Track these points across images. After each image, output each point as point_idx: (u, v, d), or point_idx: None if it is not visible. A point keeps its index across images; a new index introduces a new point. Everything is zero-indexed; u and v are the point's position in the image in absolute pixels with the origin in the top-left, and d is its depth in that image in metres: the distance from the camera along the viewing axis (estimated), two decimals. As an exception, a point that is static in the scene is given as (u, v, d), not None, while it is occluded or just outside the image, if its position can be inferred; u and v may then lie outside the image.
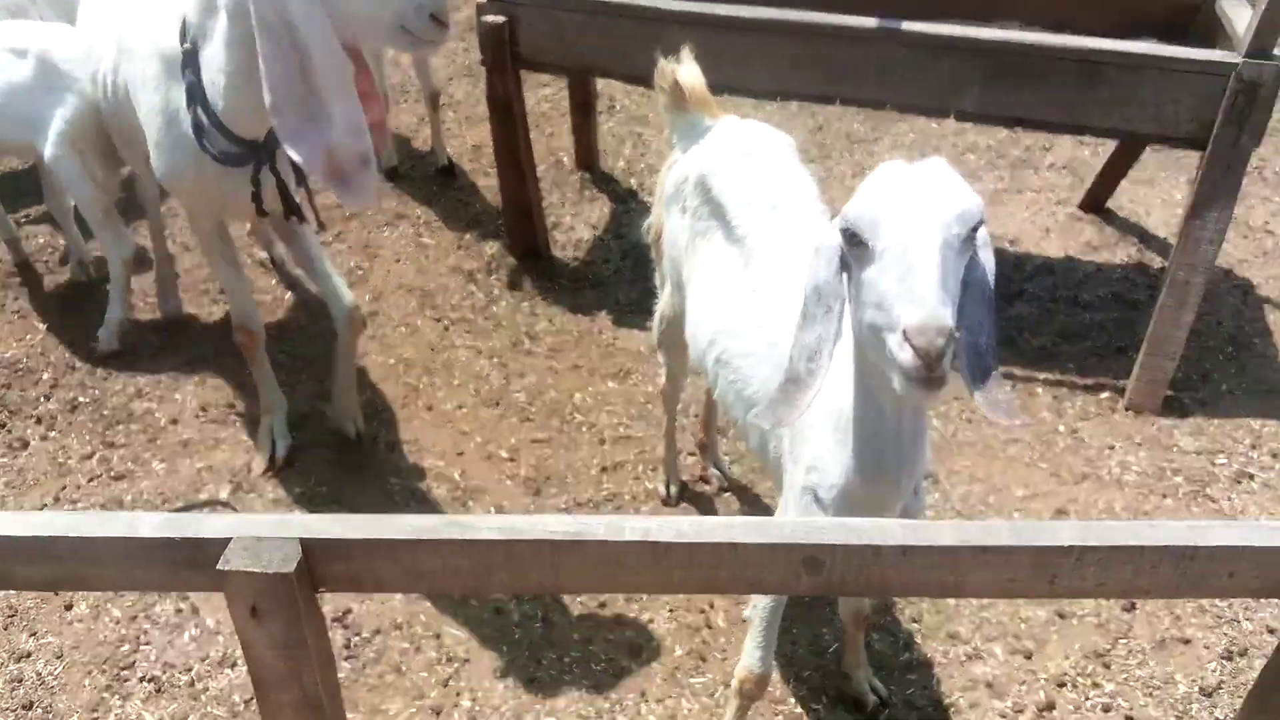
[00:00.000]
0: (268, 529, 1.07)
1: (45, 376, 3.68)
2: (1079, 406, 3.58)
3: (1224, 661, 2.72)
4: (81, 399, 3.58)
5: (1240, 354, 3.79)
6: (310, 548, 1.06)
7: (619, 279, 4.33)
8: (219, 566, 1.03)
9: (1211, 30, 3.73)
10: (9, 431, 3.44)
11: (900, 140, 5.36)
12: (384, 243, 4.52)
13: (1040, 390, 3.65)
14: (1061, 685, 2.66)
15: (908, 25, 3.50)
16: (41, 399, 3.58)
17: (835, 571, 1.05)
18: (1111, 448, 3.39)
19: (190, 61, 2.55)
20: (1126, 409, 3.55)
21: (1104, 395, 3.62)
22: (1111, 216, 4.68)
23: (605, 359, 3.87)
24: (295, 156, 2.33)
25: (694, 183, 2.49)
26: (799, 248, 2.18)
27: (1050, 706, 2.62)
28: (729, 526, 1.05)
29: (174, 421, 3.51)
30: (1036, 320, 4.01)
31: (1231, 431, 3.42)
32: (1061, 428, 3.49)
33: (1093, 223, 4.64)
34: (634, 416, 3.59)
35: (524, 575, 1.08)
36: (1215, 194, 3.29)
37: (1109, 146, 4.85)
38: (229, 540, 1.06)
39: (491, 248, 4.47)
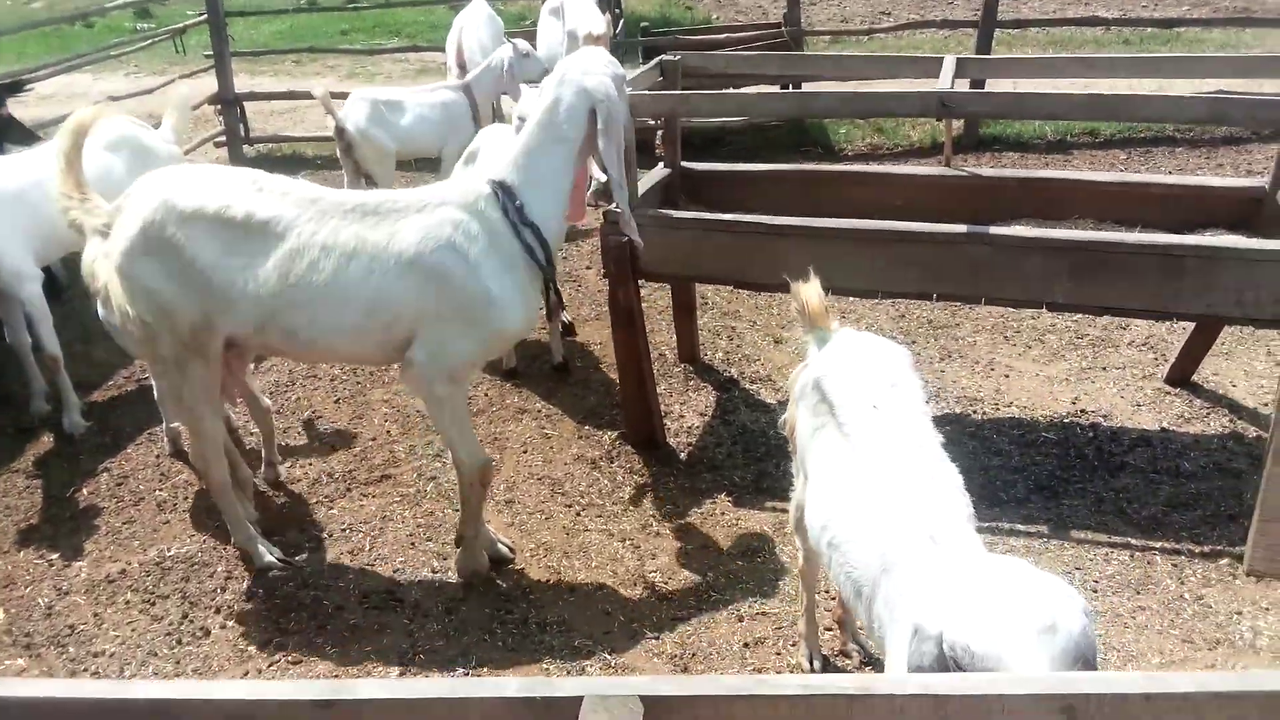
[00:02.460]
0: (612, 688, 1.31)
1: (220, 569, 3.99)
2: (1200, 574, 3.70)
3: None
4: (255, 589, 3.88)
5: (1350, 519, 3.90)
6: (649, 703, 1.30)
7: (731, 462, 4.60)
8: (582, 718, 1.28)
9: (1278, 221, 4.06)
10: (191, 621, 3.73)
11: (981, 324, 5.70)
12: (511, 435, 4.88)
13: (1158, 559, 3.79)
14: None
15: (994, 229, 3.89)
16: (218, 590, 3.89)
17: (1089, 718, 1.26)
18: (1239, 613, 3.49)
19: (508, 194, 3.36)
20: (1248, 574, 3.67)
21: (1223, 562, 3.75)
22: (1198, 389, 4.91)
23: (730, 538, 4.10)
24: (619, 208, 3.63)
25: (812, 385, 2.84)
26: (896, 443, 2.53)
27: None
28: (993, 681, 1.28)
29: (340, 608, 3.77)
30: (1142, 491, 4.17)
31: (1357, 597, 3.51)
32: (1186, 595, 3.60)
33: (1181, 396, 4.86)
34: (767, 594, 3.78)
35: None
36: (1307, 369, 3.53)
37: (1186, 324, 5.14)
38: (580, 698, 1.31)
39: (610, 436, 4.80)
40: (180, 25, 9.46)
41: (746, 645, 3.54)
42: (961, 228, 3.87)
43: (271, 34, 14.89)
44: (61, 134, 3.53)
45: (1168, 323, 5.37)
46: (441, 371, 3.49)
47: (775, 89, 7.45)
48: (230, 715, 1.33)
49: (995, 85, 4.46)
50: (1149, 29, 11.20)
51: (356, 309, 3.35)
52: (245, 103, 9.17)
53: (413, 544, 4.15)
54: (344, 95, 9.68)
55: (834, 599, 3.54)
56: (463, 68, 7.55)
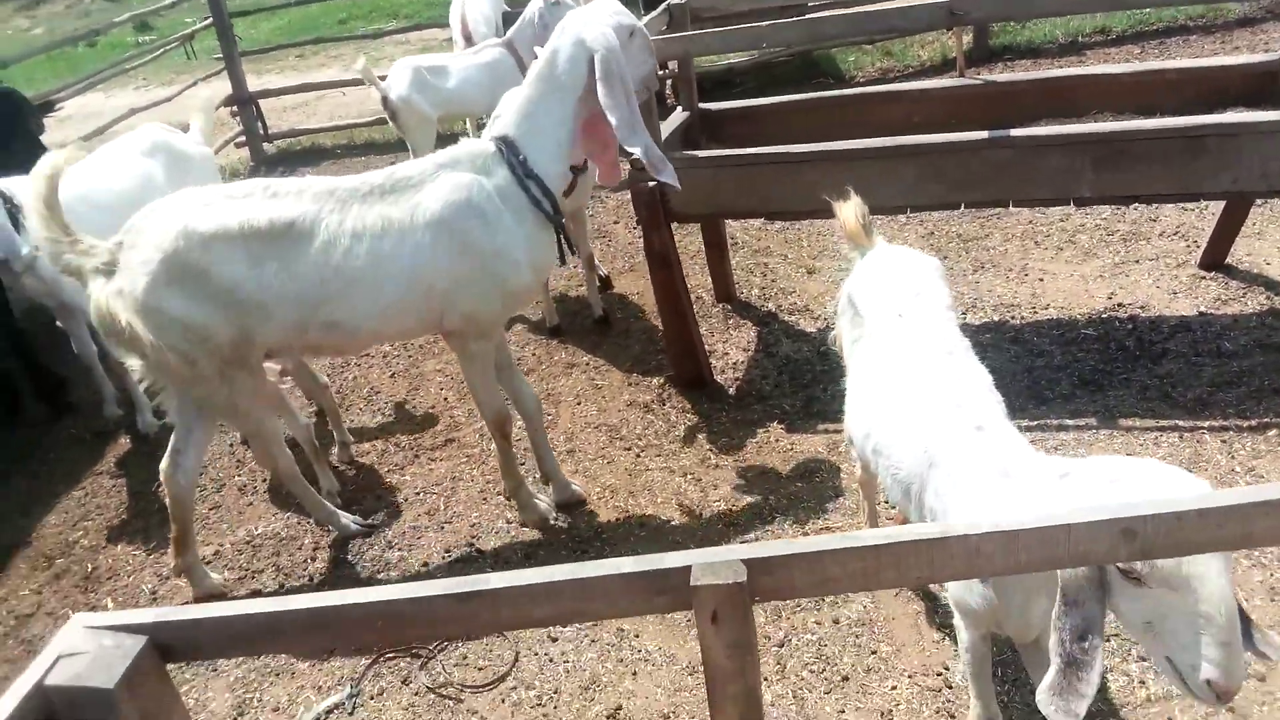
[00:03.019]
0: (716, 555, 1.46)
1: (306, 541, 4.21)
2: (1249, 447, 3.79)
3: None
4: (342, 555, 4.09)
5: (1395, 378, 3.97)
6: (750, 565, 1.45)
7: (780, 392, 4.73)
8: (692, 583, 1.43)
9: (1296, 92, 4.09)
10: (289, 592, 3.95)
11: (1011, 232, 5.76)
12: (563, 390, 5.04)
13: (1207, 437, 3.88)
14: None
15: (1014, 132, 3.95)
16: (308, 560, 4.10)
17: (1147, 539, 1.39)
18: (1289, 479, 3.59)
19: (511, 149, 3.48)
20: (1295, 443, 3.76)
21: (1271, 434, 3.83)
22: (1233, 271, 4.95)
23: (788, 463, 4.24)
24: (639, 155, 3.48)
25: (847, 298, 3.01)
26: (923, 347, 2.62)
27: None
28: (1061, 515, 1.41)
29: (425, 564, 3.98)
30: (1186, 375, 4.25)
31: (1406, 450, 3.59)
32: (1238, 468, 3.70)
33: (1216, 279, 4.91)
34: (828, 511, 3.92)
35: (906, 571, 1.45)
36: (1338, 233, 3.58)
37: (1214, 208, 5.18)
38: (688, 568, 1.46)
39: (658, 380, 4.94)
40: (188, 32, 9.61)
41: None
42: (981, 134, 3.94)
43: (271, 30, 15.03)
44: (35, 180, 3.29)
45: (1196, 209, 5.44)
46: (476, 328, 3.65)
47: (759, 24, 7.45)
48: (380, 615, 1.49)
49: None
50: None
51: (397, 285, 3.44)
52: (259, 100, 9.32)
53: (484, 500, 4.34)
54: (356, 82, 9.87)
55: (894, 511, 3.67)
56: (468, 39, 7.65)
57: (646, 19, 4.42)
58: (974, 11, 3.77)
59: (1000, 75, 4.76)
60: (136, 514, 4.64)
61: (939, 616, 3.33)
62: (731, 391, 4.80)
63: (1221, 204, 4.79)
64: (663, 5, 4.61)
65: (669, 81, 7.42)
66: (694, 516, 4.03)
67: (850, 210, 3.14)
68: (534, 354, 5.41)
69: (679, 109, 4.86)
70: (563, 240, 3.74)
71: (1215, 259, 4.98)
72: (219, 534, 4.38)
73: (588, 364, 5.23)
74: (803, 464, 4.22)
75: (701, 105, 4.90)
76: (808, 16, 3.98)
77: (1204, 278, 4.96)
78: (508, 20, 7.96)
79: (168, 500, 3.86)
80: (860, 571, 1.46)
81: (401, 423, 5.00)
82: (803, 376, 4.81)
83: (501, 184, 3.48)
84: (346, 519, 4.18)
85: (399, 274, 3.43)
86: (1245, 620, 1.70)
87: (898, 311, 2.74)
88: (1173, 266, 5.11)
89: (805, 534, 3.82)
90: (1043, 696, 1.71)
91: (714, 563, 1.45)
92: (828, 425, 4.42)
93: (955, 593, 2.34)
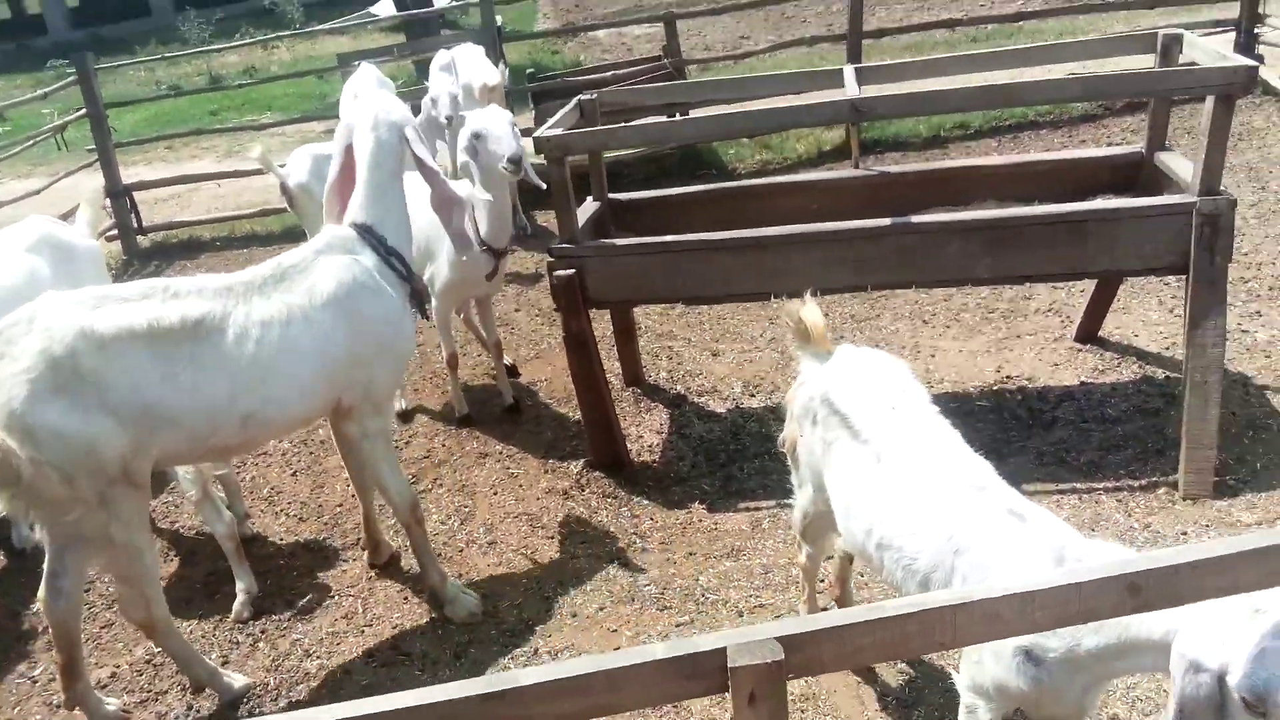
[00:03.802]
0: (748, 635, 1.47)
1: (214, 655, 3.95)
2: (1143, 505, 4.05)
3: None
4: (257, 664, 3.85)
5: (1260, 435, 4.34)
6: (784, 643, 1.45)
7: (697, 472, 4.78)
8: (730, 664, 1.42)
9: (1157, 181, 4.51)
10: (199, 712, 3.69)
11: (899, 312, 6.06)
12: (478, 480, 4.95)
13: (1104, 498, 4.12)
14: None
15: (917, 219, 4.20)
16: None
17: (1150, 592, 1.48)
18: (1185, 533, 3.83)
19: (369, 233, 3.69)
20: (1184, 498, 4.03)
21: (1160, 491, 4.11)
22: (1105, 343, 5.34)
23: (713, 542, 4.26)
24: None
25: (822, 402, 2.90)
26: (923, 440, 2.64)
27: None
28: (1070, 574, 1.49)
29: (347, 672, 3.78)
30: (1077, 441, 4.52)
31: (1280, 501, 3.91)
32: (1135, 525, 3.93)
33: (1092, 351, 5.28)
34: (759, 587, 3.95)
35: (930, 637, 1.49)
36: (1207, 306, 3.94)
37: (1082, 287, 5.60)
38: (723, 649, 1.46)
39: (575, 466, 4.92)
40: (59, 123, 9.23)
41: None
42: (887, 221, 4.17)
43: (136, 122, 14.56)
44: None
45: (1066, 288, 5.86)
46: (373, 402, 3.72)
47: (661, 119, 7.79)
48: (403, 723, 1.43)
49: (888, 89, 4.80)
50: (990, 25, 12.01)
51: (310, 366, 3.45)
52: (133, 193, 8.99)
53: (406, 599, 4.18)
54: (230, 175, 9.67)
55: (836, 578, 3.65)
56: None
57: (557, 115, 4.53)
58: (878, 109, 4.02)
59: (893, 166, 5.07)
60: (18, 638, 4.26)
61: (877, 688, 3.39)
62: (650, 473, 4.82)
63: (1093, 283, 5.18)
64: (574, 101, 4.74)
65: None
66: (626, 602, 3.98)
67: (815, 313, 3.07)
68: (444, 445, 5.30)
69: (589, 199, 4.95)
70: (422, 308, 3.93)
71: (1089, 332, 5.36)
72: (115, 654, 4.06)
73: (501, 453, 5.16)
74: (728, 542, 4.25)
75: (611, 195, 5.02)
76: (727, 113, 4.14)
77: (1080, 350, 5.32)
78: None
79: (50, 628, 3.52)
80: (887, 641, 1.49)
81: (308, 523, 4.80)
82: (718, 456, 4.88)
83: (372, 263, 3.63)
84: (229, 679, 3.70)
85: (310, 354, 3.44)
86: None
87: (889, 406, 2.74)
88: (1051, 340, 5.47)
89: (740, 613, 3.83)
90: None
91: (749, 643, 1.46)
92: (748, 504, 4.48)
93: (994, 674, 2.27)
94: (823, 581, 3.74)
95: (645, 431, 5.17)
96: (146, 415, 3.15)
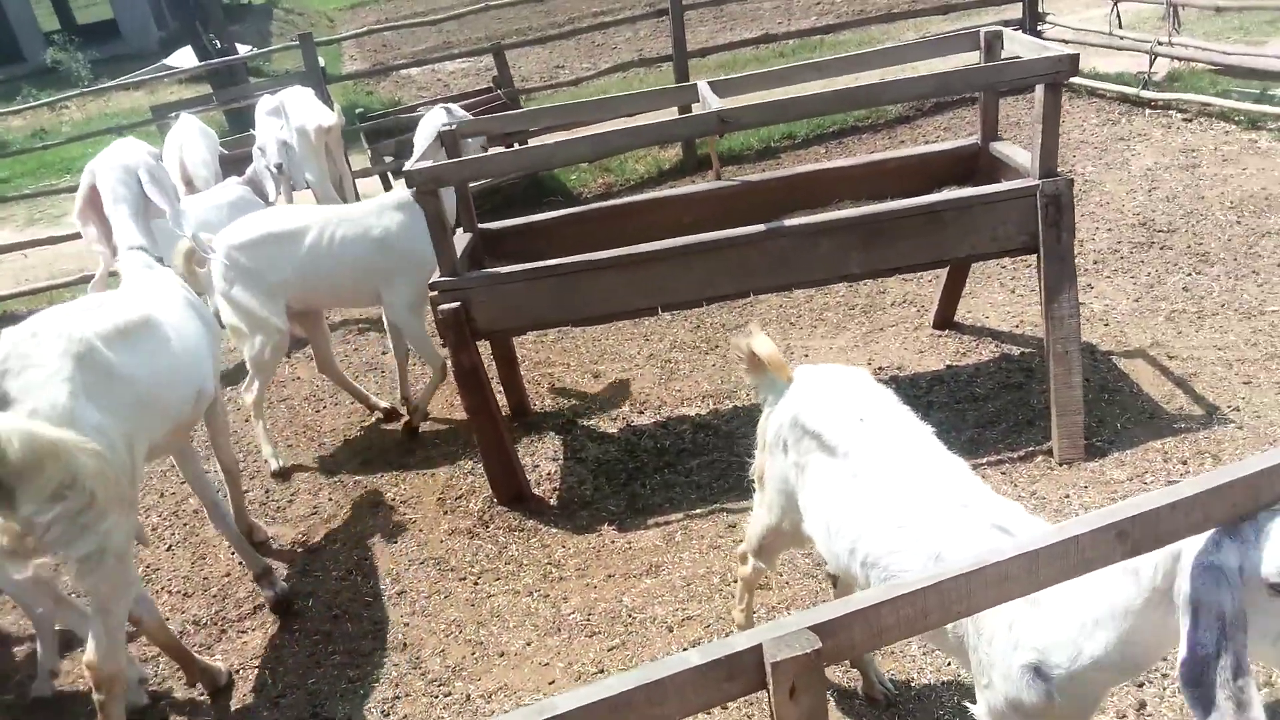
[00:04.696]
0: (781, 629, 1.47)
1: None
2: (1025, 474, 4.32)
3: None
4: (166, 760, 3.55)
5: (1114, 397, 4.71)
6: (817, 630, 1.47)
7: (601, 494, 4.76)
8: (768, 660, 1.42)
9: (994, 168, 4.84)
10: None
11: (766, 317, 6.24)
12: (374, 531, 4.76)
13: (989, 471, 4.37)
14: (1140, 685, 3.21)
15: (789, 222, 4.35)
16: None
17: (1136, 535, 1.59)
18: (1067, 496, 4.12)
19: (147, 252, 4.15)
20: (1059, 464, 4.32)
21: (1039, 459, 4.39)
22: (961, 327, 5.67)
23: (630, 561, 4.25)
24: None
25: (791, 425, 2.83)
26: (895, 450, 2.59)
27: (1141, 706, 3.15)
28: (1065, 529, 1.57)
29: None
30: (955, 421, 4.78)
31: (1145, 456, 4.25)
32: (1021, 493, 4.19)
33: (951, 336, 5.61)
34: (684, 600, 3.97)
35: (949, 608, 1.54)
36: (1060, 280, 4.25)
37: (931, 277, 5.94)
38: (758, 646, 1.46)
39: (476, 503, 4.80)
40: None
41: (685, 650, 3.70)
42: (762, 226, 4.30)
43: (-88, 195, 13.27)
44: None
45: (916, 279, 6.19)
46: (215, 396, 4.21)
47: (503, 149, 7.73)
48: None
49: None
50: (793, 40, 12.57)
51: (204, 348, 3.97)
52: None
53: (318, 662, 3.97)
54: (32, 243, 8.96)
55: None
56: (189, 184, 7.25)
57: (421, 150, 4.45)
58: (743, 119, 4.14)
59: (753, 175, 5.22)
60: None
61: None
62: (554, 502, 4.76)
63: (943, 273, 5.51)
64: (434, 134, 4.65)
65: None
66: (552, 633, 3.92)
67: (768, 344, 2.97)
68: (331, 499, 5.07)
69: (460, 230, 4.87)
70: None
71: (945, 319, 5.68)
72: None
73: (394, 499, 4.99)
74: (644, 559, 4.25)
75: (480, 225, 4.95)
76: (600, 133, 4.16)
77: (940, 336, 5.64)
78: (223, 161, 7.68)
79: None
80: (910, 616, 1.53)
81: (194, 598, 4.48)
82: (618, 476, 4.88)
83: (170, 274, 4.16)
84: None
85: (201, 337, 3.96)
86: None
87: (858, 417, 2.70)
88: (911, 330, 5.77)
89: (669, 628, 3.83)
90: None
91: (784, 635, 1.47)
92: (657, 519, 4.50)
93: (1006, 693, 2.21)
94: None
95: (541, 460, 5.11)
96: (142, 405, 3.39)
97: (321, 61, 9.25)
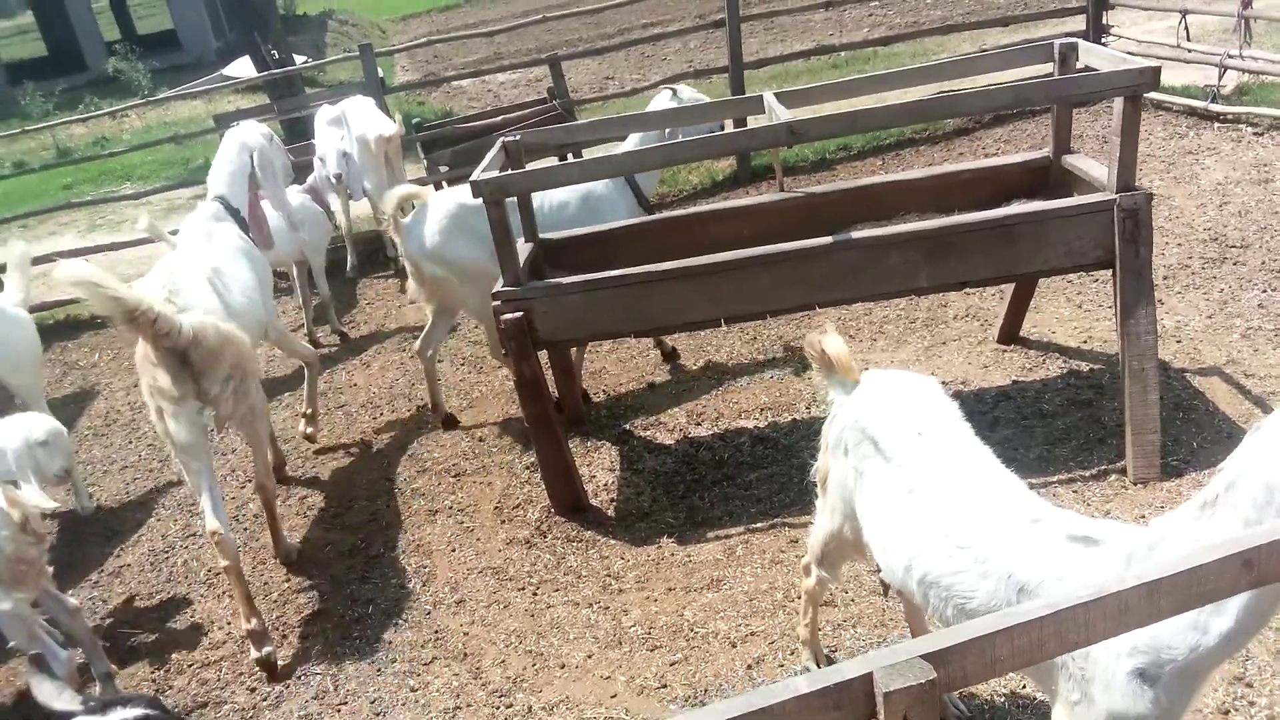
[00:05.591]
0: (892, 656, 1.42)
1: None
2: (1098, 492, 4.21)
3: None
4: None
5: (1190, 416, 4.58)
6: (930, 659, 1.42)
7: (659, 506, 4.72)
8: (880, 690, 1.37)
9: (1066, 182, 4.74)
10: None
11: (825, 330, 6.15)
12: (432, 538, 4.76)
13: (1060, 490, 4.26)
14: (1226, 714, 3.09)
15: (857, 234, 4.29)
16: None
17: (1263, 566, 1.51)
18: (1142, 516, 4.00)
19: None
20: (1134, 483, 4.20)
21: (1112, 478, 4.28)
22: (1027, 342, 5.56)
23: (690, 575, 4.20)
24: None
25: (852, 428, 2.79)
26: (954, 467, 2.51)
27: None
28: (1190, 555, 1.51)
29: (334, 755, 3.55)
30: (1023, 438, 4.68)
31: (1223, 475, 4.11)
32: (1096, 513, 4.08)
33: (1017, 351, 5.49)
34: (747, 615, 3.91)
35: (1065, 638, 1.48)
36: (1137, 297, 4.14)
37: (994, 291, 5.83)
38: (869, 675, 1.41)
39: (534, 513, 4.79)
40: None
41: (749, 667, 3.65)
42: (829, 239, 4.24)
43: (-20, 202, 13.61)
44: None
45: (978, 293, 6.08)
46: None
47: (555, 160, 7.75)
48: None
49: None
50: (845, 53, 12.49)
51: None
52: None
53: (379, 670, 3.98)
54: (105, 248, 9.13)
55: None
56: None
57: (486, 160, 4.45)
58: (810, 131, 4.09)
59: (818, 186, 5.17)
60: None
61: None
62: (611, 513, 4.73)
63: (1008, 287, 5.40)
64: (498, 144, 4.66)
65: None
66: (613, 646, 3.88)
67: (839, 343, 2.95)
68: (388, 507, 5.09)
69: (522, 239, 4.87)
70: None
71: (1010, 333, 5.57)
72: None
73: (451, 508, 4.99)
74: (705, 573, 4.20)
75: (542, 236, 4.95)
76: (670, 143, 4.14)
77: (1005, 351, 5.53)
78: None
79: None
80: (1025, 647, 1.48)
81: (256, 601, 4.50)
82: (676, 488, 4.84)
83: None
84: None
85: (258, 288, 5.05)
86: None
87: (918, 431, 2.64)
88: (975, 344, 5.67)
89: (732, 644, 3.78)
90: None
91: (896, 664, 1.41)
92: (716, 532, 4.45)
93: (1107, 708, 2.10)
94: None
95: (598, 471, 5.08)
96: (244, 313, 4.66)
97: (380, 72, 9.32)
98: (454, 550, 4.64)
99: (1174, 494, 4.09)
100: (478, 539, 4.70)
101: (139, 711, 1.91)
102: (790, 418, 5.26)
